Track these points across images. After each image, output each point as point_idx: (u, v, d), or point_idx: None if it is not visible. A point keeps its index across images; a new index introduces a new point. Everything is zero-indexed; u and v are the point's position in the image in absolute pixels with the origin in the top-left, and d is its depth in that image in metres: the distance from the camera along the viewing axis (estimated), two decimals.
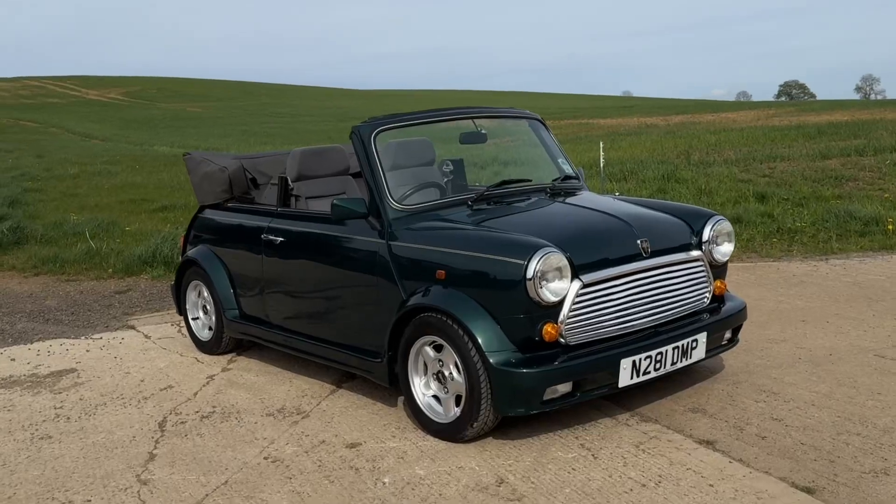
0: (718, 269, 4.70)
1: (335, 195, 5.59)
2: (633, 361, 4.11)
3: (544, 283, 3.90)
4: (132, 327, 6.94)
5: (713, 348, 4.60)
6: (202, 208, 6.07)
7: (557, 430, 4.24)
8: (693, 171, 14.11)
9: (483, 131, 5.18)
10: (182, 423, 4.67)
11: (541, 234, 4.15)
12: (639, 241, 4.28)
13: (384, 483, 3.77)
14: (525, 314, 3.93)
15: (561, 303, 3.96)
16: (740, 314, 4.74)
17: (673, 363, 4.29)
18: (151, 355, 6.03)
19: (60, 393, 5.29)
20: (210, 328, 5.91)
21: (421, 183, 4.93)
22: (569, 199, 4.91)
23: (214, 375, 5.49)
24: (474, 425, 4.05)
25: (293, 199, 5.40)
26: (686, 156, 17.10)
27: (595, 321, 4.07)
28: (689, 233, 4.60)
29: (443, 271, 4.16)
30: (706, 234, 4.61)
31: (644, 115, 44.08)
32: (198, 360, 5.84)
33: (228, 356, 5.90)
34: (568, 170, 5.36)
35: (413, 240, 4.39)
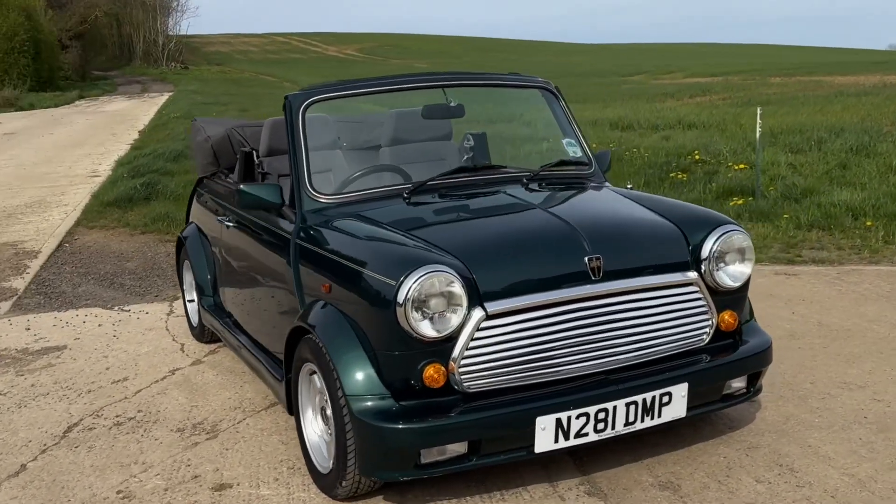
0: (727, 298, 3.48)
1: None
2: (558, 420, 3.06)
3: (424, 311, 2.95)
4: (174, 299, 6.58)
5: (709, 402, 3.43)
6: (199, 181, 5.51)
7: (469, 495, 3.29)
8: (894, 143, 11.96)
9: (454, 103, 4.17)
10: (90, 429, 4.14)
11: (450, 243, 3.17)
12: (586, 259, 3.18)
13: None
14: (400, 350, 3.00)
15: (452, 339, 2.99)
16: (756, 359, 3.51)
17: (628, 423, 3.19)
18: (149, 337, 5.60)
19: (22, 374, 4.95)
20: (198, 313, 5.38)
21: (361, 168, 4.03)
22: (535, 195, 3.83)
23: (178, 370, 4.94)
24: (343, 483, 3.20)
25: (259, 178, 4.68)
26: None
27: (506, 364, 3.06)
28: (682, 246, 3.42)
29: (328, 284, 3.30)
30: (707, 249, 3.41)
31: (891, 71, 39.17)
32: (181, 349, 5.32)
33: (215, 345, 5.34)
34: (575, 153, 4.25)
35: (312, 239, 3.54)
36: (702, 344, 3.42)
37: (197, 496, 3.40)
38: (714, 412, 3.64)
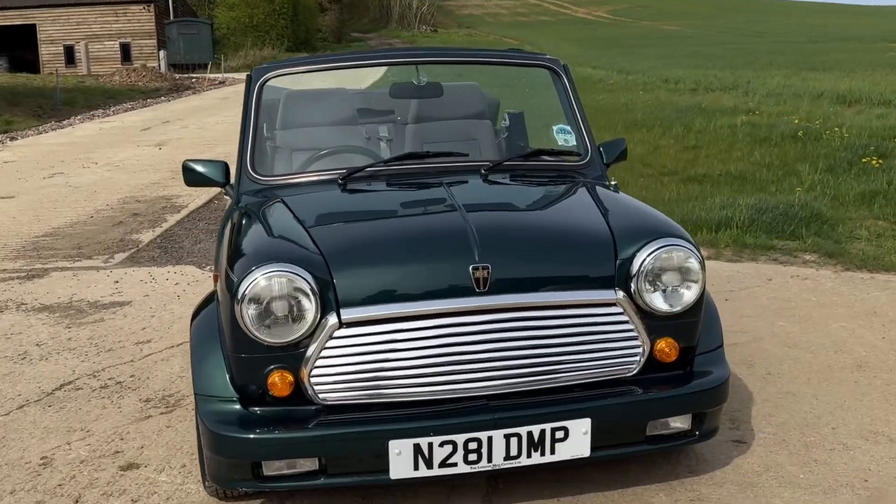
0: (666, 324, 2.93)
1: (330, 149, 4.65)
2: (416, 446, 2.72)
3: (264, 313, 2.71)
4: None
5: (628, 443, 2.93)
6: None
7: None
8: None
9: (425, 80, 3.81)
10: (77, 389, 4.28)
11: (326, 242, 2.90)
12: (471, 269, 2.78)
13: None
14: (246, 353, 2.78)
15: (302, 346, 2.73)
16: (695, 398, 2.94)
17: (510, 457, 2.78)
18: (177, 301, 5.72)
19: (71, 327, 5.22)
20: None
21: (319, 149, 3.80)
22: (469, 189, 3.42)
23: None
24: (207, 484, 3.05)
25: (269, 152, 4.57)
26: None
27: (363, 379, 2.75)
28: (608, 260, 2.91)
29: (216, 273, 3.14)
30: (636, 265, 2.88)
31: None
32: None
33: None
34: (565, 141, 3.77)
35: (226, 223, 3.38)
36: (629, 374, 2.92)
37: (101, 473, 3.40)
38: (642, 454, 3.12)
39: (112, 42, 45.25)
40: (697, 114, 15.00)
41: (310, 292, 2.69)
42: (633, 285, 2.87)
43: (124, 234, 7.88)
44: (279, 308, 2.70)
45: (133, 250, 7.30)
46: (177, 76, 36.60)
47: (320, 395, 2.76)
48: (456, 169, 3.59)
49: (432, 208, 3.24)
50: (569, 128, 3.82)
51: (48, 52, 45.17)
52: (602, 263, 2.90)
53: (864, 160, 10.05)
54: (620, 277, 2.88)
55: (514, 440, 2.76)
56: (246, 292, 2.68)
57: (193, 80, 34.91)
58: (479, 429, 2.74)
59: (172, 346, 4.84)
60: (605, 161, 3.86)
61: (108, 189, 10.27)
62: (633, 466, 3.26)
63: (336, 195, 3.42)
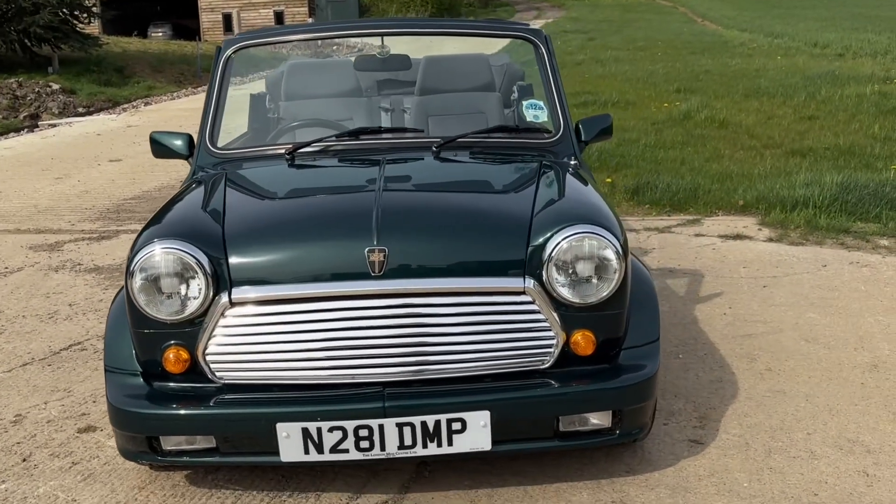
0: (583, 315, 2.74)
1: (332, 121, 4.61)
2: (305, 429, 2.67)
3: (154, 290, 2.71)
4: None
5: (535, 438, 2.77)
6: None
7: (268, 490, 3.03)
8: None
9: (386, 54, 3.68)
10: (81, 350, 4.46)
11: (231, 220, 2.88)
12: (366, 251, 2.68)
13: None
14: (142, 328, 2.79)
15: (193, 322, 2.72)
16: (609, 395, 2.75)
17: (404, 447, 2.69)
18: None
19: (107, 290, 5.44)
20: None
21: (288, 122, 3.75)
22: (405, 167, 3.30)
23: None
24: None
25: (275, 123, 4.58)
26: None
27: (254, 360, 2.72)
28: (519, 247, 2.74)
29: None
30: (547, 252, 2.69)
31: None
32: None
33: None
34: (535, 118, 3.57)
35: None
36: (542, 366, 2.75)
37: (59, 434, 3.53)
38: (550, 450, 2.94)
39: (266, 10, 46.70)
40: (827, 81, 14.00)
41: (198, 270, 2.67)
42: (543, 273, 2.69)
43: None
44: (167, 285, 2.70)
45: None
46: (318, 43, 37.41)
47: (217, 374, 2.75)
48: (410, 146, 3.47)
49: (352, 187, 3.15)
50: (541, 103, 3.61)
51: (208, 20, 47.13)
52: (512, 250, 2.73)
53: None
54: (532, 265, 2.71)
55: (407, 429, 2.66)
56: (134, 268, 2.70)
57: (333, 48, 35.60)
58: (369, 416, 2.66)
59: None
60: (583, 139, 3.64)
61: None
62: (567, 461, 3.09)
63: (277, 170, 3.39)
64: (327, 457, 2.70)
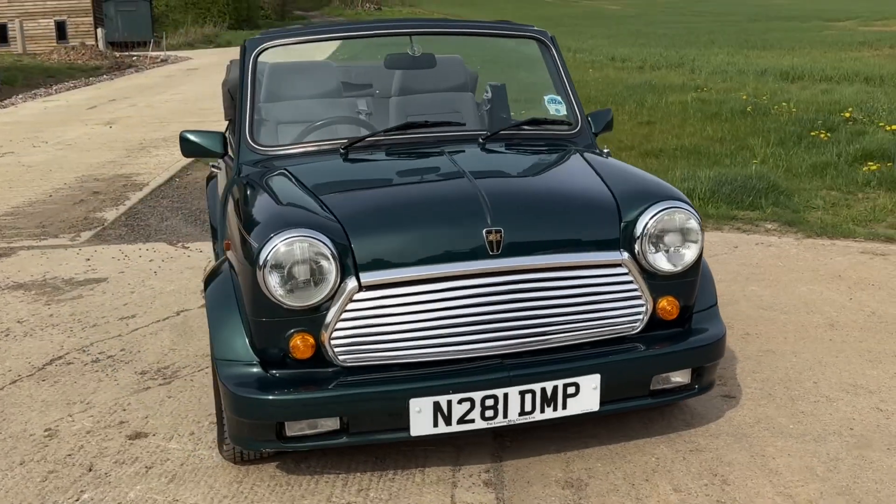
0: (667, 283, 3.07)
1: (315, 122, 4.69)
2: (436, 403, 2.82)
3: (286, 278, 2.77)
4: None
5: (633, 397, 3.06)
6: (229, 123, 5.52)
7: (360, 471, 3.12)
8: None
9: (419, 52, 3.88)
10: (68, 364, 4.27)
11: (340, 208, 2.97)
12: (484, 232, 2.88)
13: (82, 500, 3.03)
14: (267, 317, 2.84)
15: (321, 309, 2.80)
16: (696, 353, 3.09)
17: (524, 413, 2.90)
18: (185, 276, 5.70)
19: (50, 304, 5.18)
20: None
21: (314, 121, 3.85)
22: (471, 156, 3.52)
23: (184, 311, 5.01)
24: (225, 448, 3.12)
25: (258, 125, 4.59)
26: None
27: (382, 340, 2.83)
28: (613, 222, 3.03)
29: (228, 241, 3.19)
30: (640, 226, 3.01)
31: None
32: (203, 291, 5.40)
33: None
34: (557, 111, 3.88)
35: (236, 194, 3.42)
36: (633, 332, 3.05)
37: (110, 442, 3.43)
38: (646, 408, 3.27)
39: (47, 20, 44.00)
40: (648, 91, 15.24)
41: (330, 256, 2.76)
42: (636, 246, 2.99)
43: (87, 213, 7.78)
44: (301, 272, 2.77)
45: (99, 228, 7.22)
46: (117, 54, 35.78)
47: (340, 357, 2.83)
48: (453, 138, 3.67)
49: (439, 174, 3.32)
50: (559, 98, 3.92)
51: None
52: (607, 226, 3.02)
53: (812, 133, 10.37)
54: (625, 239, 3.01)
55: (528, 396, 2.87)
56: (268, 258, 2.74)
57: (134, 58, 34.20)
58: (495, 386, 2.84)
59: (159, 321, 4.84)
60: (593, 130, 3.98)
61: (63, 168, 10.09)
62: (632, 423, 3.41)
63: (339, 164, 3.49)
64: (454, 428, 2.86)
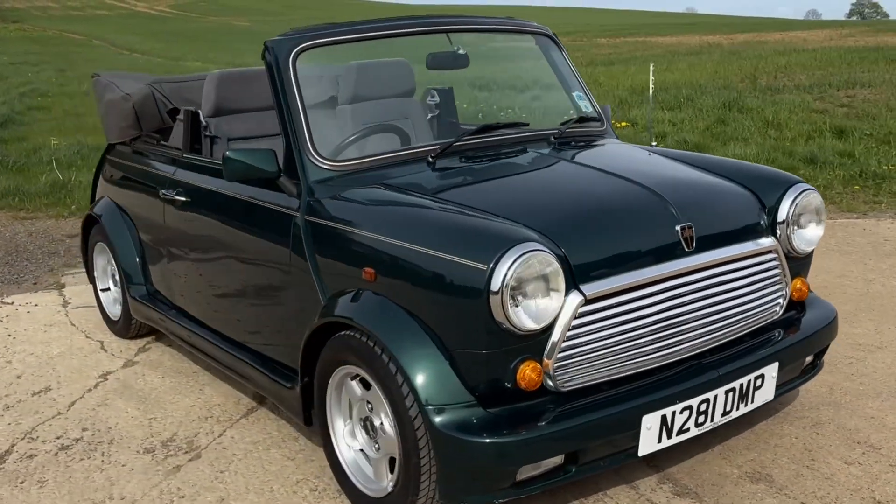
0: (799, 263, 3.16)
1: (271, 136, 4.13)
2: (663, 417, 2.64)
3: (521, 299, 2.43)
4: (61, 286, 5.65)
5: (786, 382, 3.10)
6: (110, 147, 4.67)
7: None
8: (759, 98, 12.29)
9: (461, 51, 3.62)
10: (30, 457, 3.35)
11: (525, 215, 2.66)
12: (678, 228, 2.75)
13: None
14: (490, 348, 2.46)
15: (547, 330, 2.49)
16: (828, 330, 3.21)
17: (725, 413, 2.81)
18: (53, 334, 4.72)
19: None
20: (121, 304, 4.55)
21: (369, 126, 3.43)
22: (580, 155, 3.37)
23: (111, 373, 4.15)
24: None
25: (209, 142, 3.95)
26: (752, 80, 15.19)
27: (605, 356, 2.59)
28: (756, 209, 3.06)
29: (372, 270, 2.70)
30: (784, 211, 3.06)
31: (706, 32, 41.11)
32: (102, 347, 4.51)
33: (142, 341, 4.56)
34: (586, 108, 3.80)
35: (337, 215, 2.92)
36: (775, 317, 3.09)
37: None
38: (787, 392, 3.32)
39: None
40: None
41: (560, 268, 2.47)
42: (780, 231, 3.04)
43: None
44: (535, 290, 2.44)
45: None
46: None
47: (560, 382, 2.54)
48: (521, 139, 3.44)
49: (582, 171, 3.10)
50: (582, 94, 3.83)
51: None
52: (756, 214, 3.03)
53: None
54: (770, 224, 3.04)
55: (731, 395, 2.80)
56: (505, 279, 2.37)
57: None
58: (708, 389, 2.73)
59: (90, 390, 3.97)
60: None
61: None
62: None
63: (444, 172, 3.11)
64: (673, 440, 2.70)
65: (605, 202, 2.82)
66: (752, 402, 2.89)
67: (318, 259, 2.93)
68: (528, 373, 2.47)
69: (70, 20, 72.70)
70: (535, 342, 2.49)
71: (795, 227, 3.07)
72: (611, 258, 2.63)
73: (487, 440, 2.42)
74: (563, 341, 2.51)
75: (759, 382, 2.88)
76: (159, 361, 4.27)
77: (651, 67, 9.52)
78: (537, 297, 2.45)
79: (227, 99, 3.99)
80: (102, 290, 4.74)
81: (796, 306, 3.23)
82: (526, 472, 2.52)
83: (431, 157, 3.18)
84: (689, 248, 2.75)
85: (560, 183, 3.07)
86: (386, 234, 2.70)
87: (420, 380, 2.49)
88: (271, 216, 3.17)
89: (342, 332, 2.76)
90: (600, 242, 2.64)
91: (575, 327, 2.52)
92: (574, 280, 2.53)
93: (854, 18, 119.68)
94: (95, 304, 4.96)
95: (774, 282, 3.03)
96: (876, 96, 12.23)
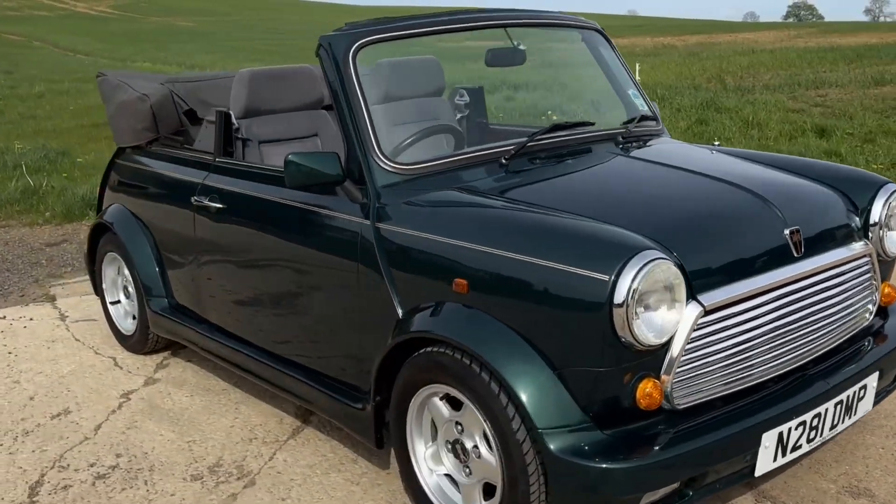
0: (886, 267, 3.04)
1: (301, 138, 3.91)
2: (780, 434, 2.48)
3: (642, 311, 2.25)
4: (52, 298, 5.33)
5: (878, 392, 2.97)
6: (120, 151, 4.37)
7: None
8: (734, 98, 12.33)
9: (522, 47, 3.44)
10: (65, 488, 3.08)
11: (630, 221, 2.48)
12: (787, 232, 2.60)
13: None
14: (606, 365, 2.28)
15: (667, 344, 2.32)
16: None
17: (833, 427, 2.66)
18: (57, 351, 4.41)
19: None
20: (134, 317, 4.26)
21: (428, 127, 3.23)
22: (652, 155, 3.21)
23: (133, 392, 3.88)
24: None
25: (240, 145, 3.71)
26: (719, 80, 15.29)
27: (718, 370, 2.42)
28: (851, 212, 2.92)
29: (464, 281, 2.49)
30: (876, 212, 2.93)
31: (656, 34, 41.52)
32: (116, 364, 4.22)
33: (159, 356, 4.29)
34: (642, 107, 3.64)
35: (415, 223, 2.70)
36: (865, 324, 2.96)
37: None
38: (879, 402, 3.19)
39: None
40: None
41: (682, 279, 2.30)
42: (873, 234, 2.91)
43: None
44: (661, 300, 2.27)
45: None
46: None
47: (676, 399, 2.37)
48: (588, 139, 3.26)
49: (669, 173, 2.92)
50: (637, 92, 3.67)
51: None
52: (851, 216, 2.90)
53: None
54: (859, 227, 2.91)
55: (838, 408, 2.66)
56: (630, 291, 2.19)
57: None
58: (820, 402, 2.58)
59: (114, 412, 3.69)
60: None
61: None
62: None
63: (523, 175, 2.92)
64: (787, 458, 2.54)
65: (711, 205, 2.66)
66: (856, 413, 2.75)
67: (392, 270, 2.72)
68: (649, 390, 2.30)
69: (7, 21, 70.70)
70: (652, 358, 2.31)
71: (887, 230, 2.95)
72: (725, 266, 2.46)
73: (613, 466, 2.23)
74: (682, 355, 2.33)
75: (861, 393, 2.74)
76: (183, 378, 4.01)
77: (637, 66, 9.44)
78: (660, 309, 2.28)
79: (259, 99, 3.75)
80: (112, 304, 4.44)
81: (880, 312, 3.11)
82: (647, 499, 2.34)
83: (505, 158, 2.98)
84: (797, 253, 2.60)
85: (653, 185, 2.89)
86: (479, 242, 2.49)
87: (530, 400, 2.30)
88: (331, 223, 2.95)
89: (428, 349, 2.56)
90: (713, 248, 2.48)
91: (692, 340, 2.35)
92: (691, 290, 2.36)
93: (791, 20, 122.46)
94: (98, 317, 4.67)
95: (867, 286, 2.90)
96: (848, 95, 12.37)
